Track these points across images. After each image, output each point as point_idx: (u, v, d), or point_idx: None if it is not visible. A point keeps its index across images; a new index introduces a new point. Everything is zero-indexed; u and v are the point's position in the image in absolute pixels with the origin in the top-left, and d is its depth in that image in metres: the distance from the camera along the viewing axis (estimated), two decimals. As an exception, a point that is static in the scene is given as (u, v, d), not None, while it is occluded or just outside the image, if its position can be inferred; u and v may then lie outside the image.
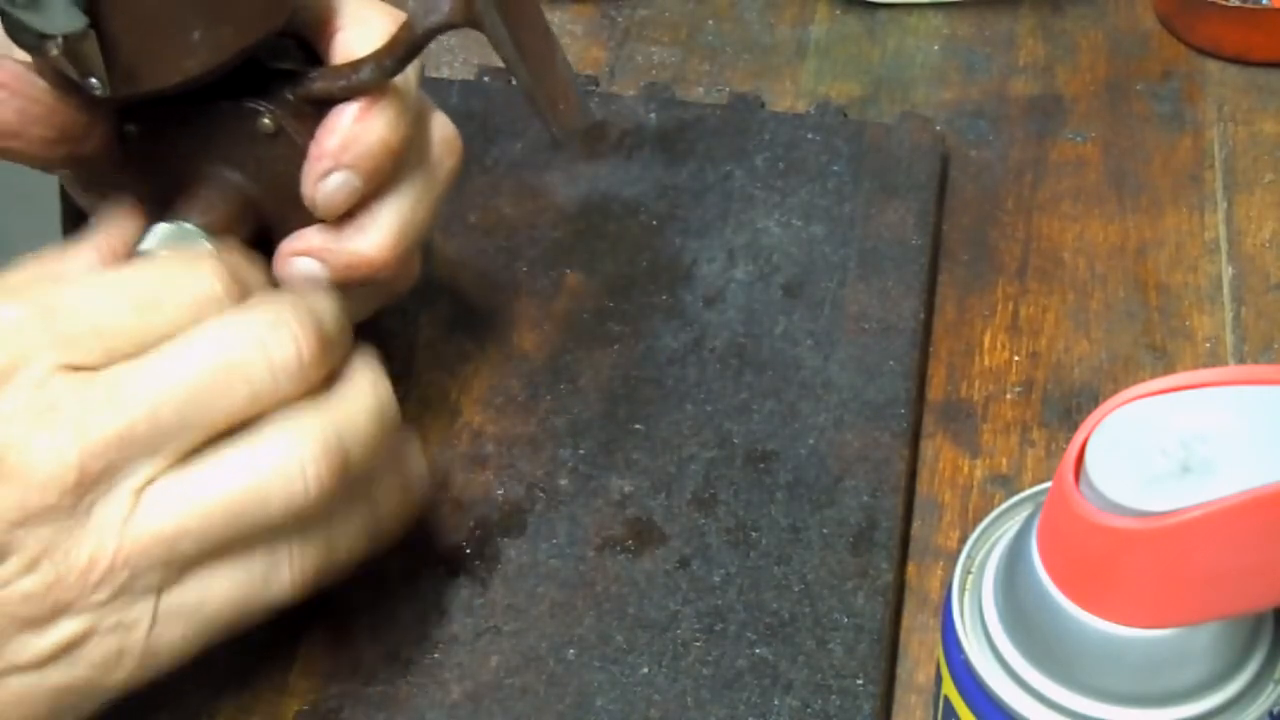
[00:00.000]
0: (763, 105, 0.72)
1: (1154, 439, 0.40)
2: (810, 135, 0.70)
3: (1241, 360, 0.63)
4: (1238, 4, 0.73)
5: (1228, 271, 0.66)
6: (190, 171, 0.51)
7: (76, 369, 0.43)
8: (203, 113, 0.50)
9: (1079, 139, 0.72)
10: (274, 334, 0.45)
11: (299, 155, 0.50)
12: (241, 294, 0.46)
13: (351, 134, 0.49)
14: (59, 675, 0.44)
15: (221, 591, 0.45)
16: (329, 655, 0.54)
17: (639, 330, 0.63)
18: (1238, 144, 0.71)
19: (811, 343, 0.62)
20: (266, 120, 0.50)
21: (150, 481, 0.44)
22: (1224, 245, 0.67)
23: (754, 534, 0.57)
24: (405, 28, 0.49)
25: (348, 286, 0.51)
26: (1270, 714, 0.42)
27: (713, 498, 0.58)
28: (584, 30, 0.77)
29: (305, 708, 0.53)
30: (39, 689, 0.44)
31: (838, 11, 0.78)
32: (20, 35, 0.46)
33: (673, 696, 0.53)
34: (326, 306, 0.47)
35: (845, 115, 0.71)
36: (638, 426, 0.60)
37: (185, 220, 0.50)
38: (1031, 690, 0.42)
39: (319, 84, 0.50)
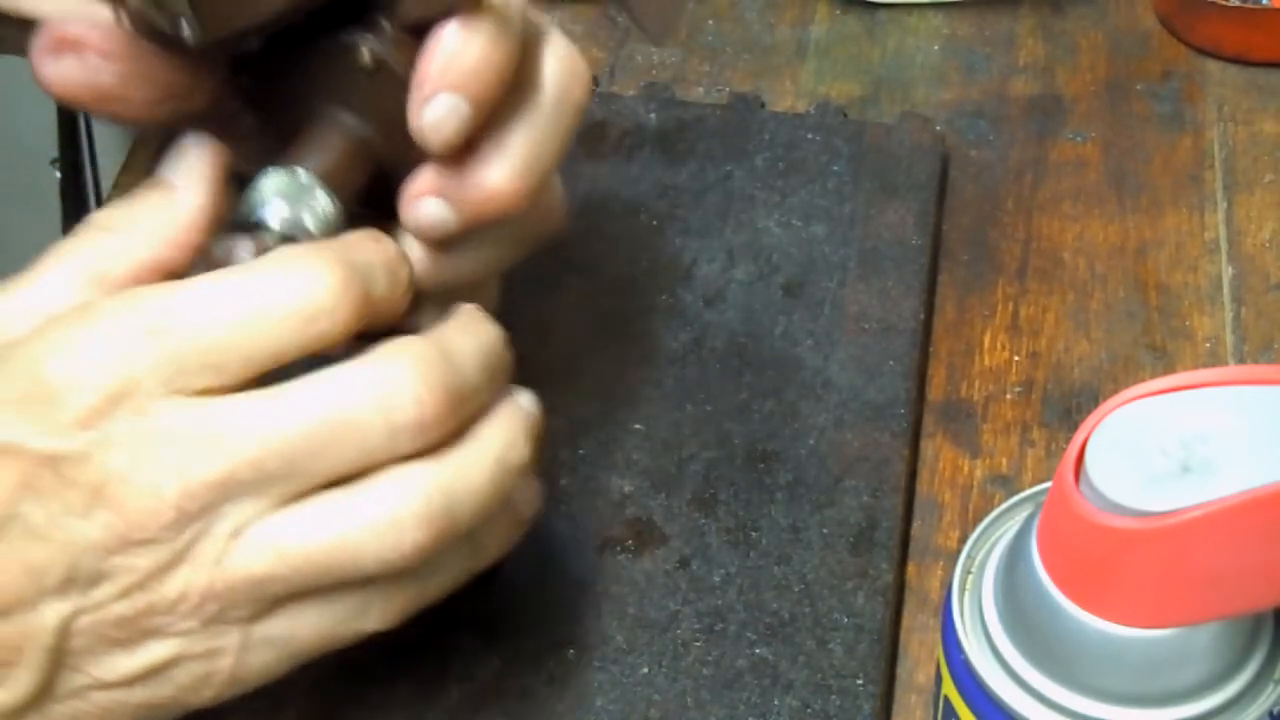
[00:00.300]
0: (763, 105, 0.72)
1: (1154, 439, 0.40)
2: (810, 135, 0.70)
3: (1241, 360, 0.63)
4: (1238, 4, 0.73)
5: (1228, 271, 0.66)
6: (302, 116, 0.49)
7: (185, 395, 0.42)
8: (305, 53, 0.48)
9: (1079, 139, 0.72)
10: (396, 395, 0.43)
11: (404, 87, 0.47)
12: (361, 290, 0.44)
13: (450, 55, 0.46)
14: (144, 694, 0.44)
15: (310, 625, 0.45)
16: (328, 655, 0.54)
17: (639, 330, 0.63)
18: (1238, 144, 0.71)
19: (811, 343, 0.62)
20: (365, 52, 0.47)
21: (248, 524, 0.43)
22: (1224, 245, 0.67)
23: (754, 534, 0.57)
24: None
25: (479, 225, 0.49)
26: (1270, 714, 0.42)
27: (713, 498, 0.58)
28: (584, 30, 0.77)
29: (305, 708, 0.53)
30: (124, 705, 0.44)
31: (838, 11, 0.78)
32: None
33: (673, 696, 0.53)
34: (472, 351, 0.46)
35: (845, 115, 0.71)
36: (638, 426, 0.60)
37: (298, 165, 0.48)
38: (1031, 690, 0.42)
39: (414, 9, 0.47)
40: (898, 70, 0.75)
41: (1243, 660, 0.42)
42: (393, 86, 0.48)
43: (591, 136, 0.70)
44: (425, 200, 0.48)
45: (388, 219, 0.49)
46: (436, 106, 0.46)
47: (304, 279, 0.44)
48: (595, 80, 0.73)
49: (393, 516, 0.44)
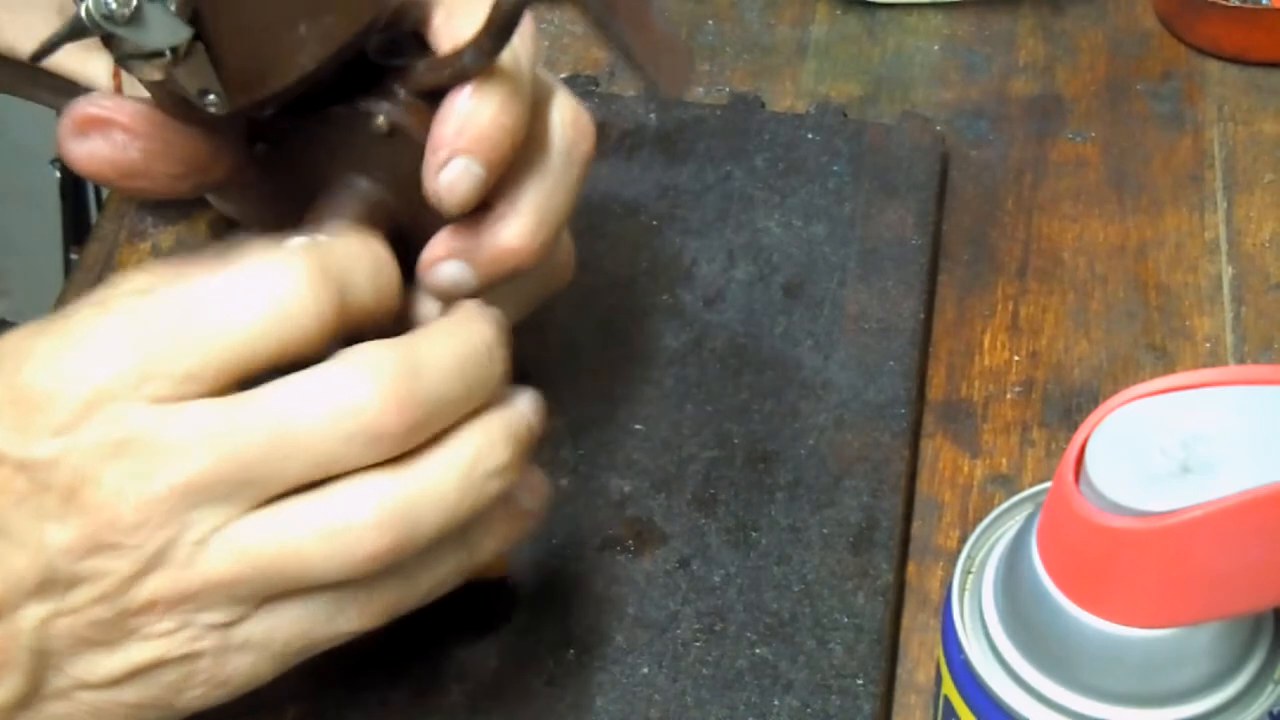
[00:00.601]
0: (763, 105, 0.72)
1: (1154, 439, 0.40)
2: (810, 135, 0.70)
3: (1241, 360, 0.63)
4: (1238, 4, 0.73)
5: (1228, 271, 0.66)
6: (319, 182, 0.50)
7: (160, 401, 0.43)
8: (322, 120, 0.49)
9: (1079, 139, 0.72)
10: (350, 403, 0.43)
11: (419, 151, 0.48)
12: (336, 289, 0.44)
13: (463, 119, 0.47)
14: (132, 694, 0.45)
15: (288, 627, 0.45)
16: (327, 657, 0.54)
17: (639, 330, 0.63)
18: (1238, 144, 0.71)
19: (811, 343, 0.62)
20: (380, 119, 0.48)
21: (216, 529, 0.43)
22: (1224, 245, 0.67)
23: (754, 534, 0.57)
24: (496, 5, 0.47)
25: (496, 283, 0.50)
26: (1270, 714, 0.42)
27: (713, 498, 0.58)
28: (584, 30, 0.77)
29: (304, 710, 0.53)
30: (113, 704, 0.45)
31: (838, 11, 0.78)
32: (129, 59, 0.45)
33: (673, 696, 0.53)
34: (445, 357, 0.45)
35: (845, 115, 0.71)
36: (638, 426, 0.60)
37: (317, 232, 0.48)
38: (1031, 690, 0.42)
39: (427, 76, 0.48)
40: (898, 70, 0.75)
41: (1243, 660, 0.42)
42: (408, 151, 0.48)
43: (591, 136, 0.70)
44: (443, 265, 0.49)
45: (405, 281, 0.49)
46: (451, 169, 0.47)
47: (274, 278, 0.44)
48: (595, 80, 0.74)
49: (343, 524, 0.44)
